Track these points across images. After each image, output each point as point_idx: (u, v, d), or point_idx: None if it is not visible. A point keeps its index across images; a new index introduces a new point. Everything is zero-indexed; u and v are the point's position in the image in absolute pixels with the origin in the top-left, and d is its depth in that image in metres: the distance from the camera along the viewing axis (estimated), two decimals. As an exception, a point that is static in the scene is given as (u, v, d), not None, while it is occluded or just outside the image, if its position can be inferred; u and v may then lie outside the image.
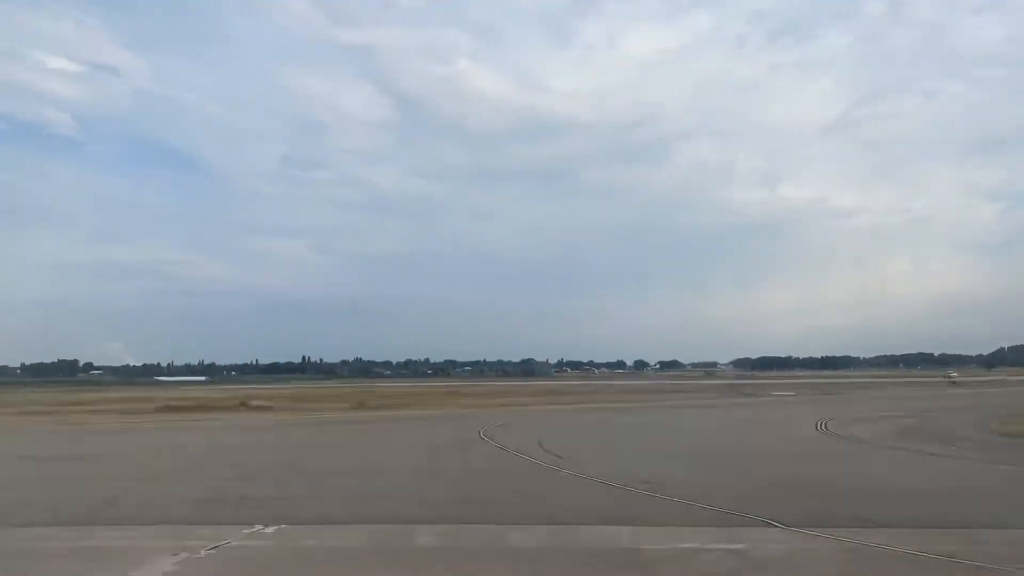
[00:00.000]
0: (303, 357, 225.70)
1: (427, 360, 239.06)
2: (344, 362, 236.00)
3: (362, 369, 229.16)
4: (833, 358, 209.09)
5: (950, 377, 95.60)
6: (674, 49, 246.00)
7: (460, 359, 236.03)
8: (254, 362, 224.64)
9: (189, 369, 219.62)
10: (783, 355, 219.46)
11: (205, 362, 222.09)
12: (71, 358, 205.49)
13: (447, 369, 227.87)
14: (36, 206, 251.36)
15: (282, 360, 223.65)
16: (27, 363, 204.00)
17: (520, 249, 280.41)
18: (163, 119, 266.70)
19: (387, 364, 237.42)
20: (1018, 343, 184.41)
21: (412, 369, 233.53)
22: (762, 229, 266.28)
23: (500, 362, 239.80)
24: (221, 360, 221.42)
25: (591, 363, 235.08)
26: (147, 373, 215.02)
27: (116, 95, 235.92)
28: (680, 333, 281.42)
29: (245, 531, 9.69)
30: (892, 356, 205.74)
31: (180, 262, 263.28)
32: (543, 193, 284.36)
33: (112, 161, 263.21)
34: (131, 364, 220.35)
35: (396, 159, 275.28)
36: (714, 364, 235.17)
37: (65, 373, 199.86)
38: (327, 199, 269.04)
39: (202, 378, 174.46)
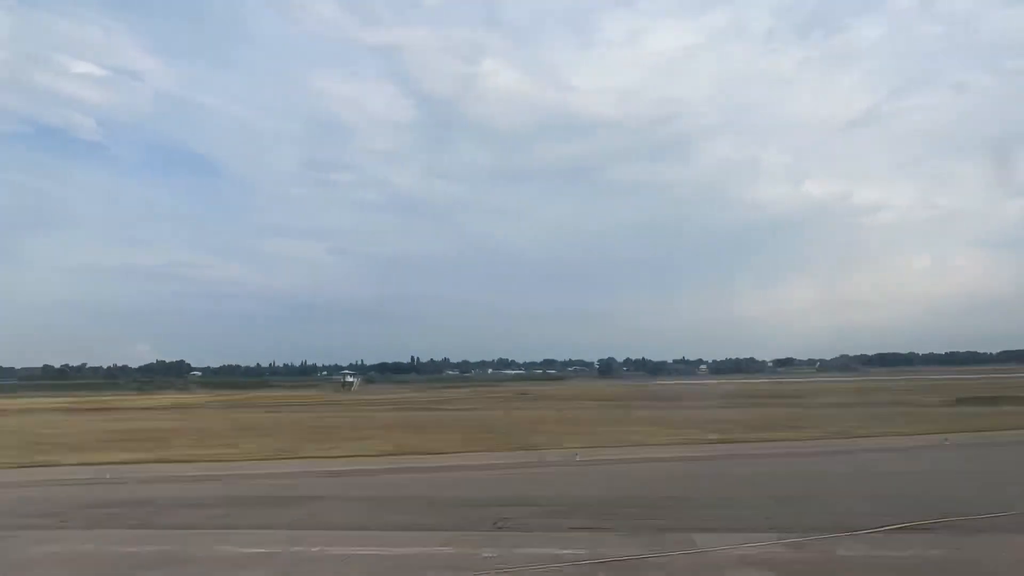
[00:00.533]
0: (412, 357, 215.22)
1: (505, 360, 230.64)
2: (446, 360, 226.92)
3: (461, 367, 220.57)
4: (958, 353, 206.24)
5: None
6: (700, 45, 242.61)
7: (520, 360, 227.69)
8: (359, 362, 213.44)
9: (293, 370, 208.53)
10: (903, 351, 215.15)
11: (296, 363, 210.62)
12: (177, 359, 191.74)
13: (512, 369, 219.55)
14: (60, 210, 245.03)
15: (390, 360, 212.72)
16: (130, 365, 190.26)
17: (547, 248, 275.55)
18: (185, 123, 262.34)
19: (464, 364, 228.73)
20: None
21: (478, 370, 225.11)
22: (807, 223, 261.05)
23: (579, 362, 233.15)
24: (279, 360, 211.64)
25: (700, 361, 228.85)
26: (249, 374, 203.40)
27: (139, 99, 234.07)
28: (752, 330, 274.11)
29: None
30: (1020, 351, 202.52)
31: (201, 265, 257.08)
32: (568, 192, 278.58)
33: (135, 165, 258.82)
34: (229, 364, 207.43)
35: (418, 159, 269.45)
36: (817, 361, 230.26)
37: (173, 375, 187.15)
38: (349, 201, 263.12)
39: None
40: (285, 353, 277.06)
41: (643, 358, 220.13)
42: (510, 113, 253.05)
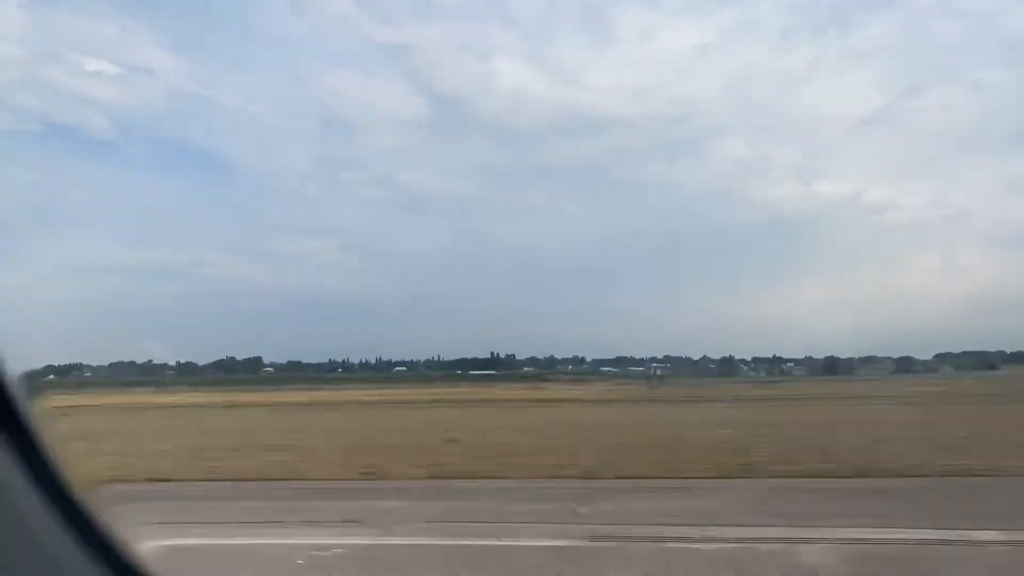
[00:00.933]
0: (492, 353, 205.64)
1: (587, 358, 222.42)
2: (511, 357, 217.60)
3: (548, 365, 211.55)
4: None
5: None
6: (713, 43, 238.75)
7: (589, 357, 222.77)
8: (436, 358, 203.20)
9: (370, 366, 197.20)
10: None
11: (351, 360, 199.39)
12: (254, 355, 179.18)
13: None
14: (71, 208, 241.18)
15: (469, 356, 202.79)
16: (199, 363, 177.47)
17: (566, 247, 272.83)
18: (197, 120, 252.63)
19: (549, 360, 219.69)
20: None
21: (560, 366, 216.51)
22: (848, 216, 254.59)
23: (653, 359, 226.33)
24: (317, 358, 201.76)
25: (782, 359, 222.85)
26: (322, 369, 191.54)
27: (151, 96, 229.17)
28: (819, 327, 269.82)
29: None
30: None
31: (212, 263, 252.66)
32: (581, 190, 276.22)
33: (146, 162, 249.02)
34: (301, 361, 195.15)
35: (431, 157, 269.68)
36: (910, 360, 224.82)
37: (250, 370, 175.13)
38: (360, 199, 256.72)
39: (492, 371, 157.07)
40: (335, 349, 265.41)
41: (730, 355, 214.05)
42: (522, 112, 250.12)
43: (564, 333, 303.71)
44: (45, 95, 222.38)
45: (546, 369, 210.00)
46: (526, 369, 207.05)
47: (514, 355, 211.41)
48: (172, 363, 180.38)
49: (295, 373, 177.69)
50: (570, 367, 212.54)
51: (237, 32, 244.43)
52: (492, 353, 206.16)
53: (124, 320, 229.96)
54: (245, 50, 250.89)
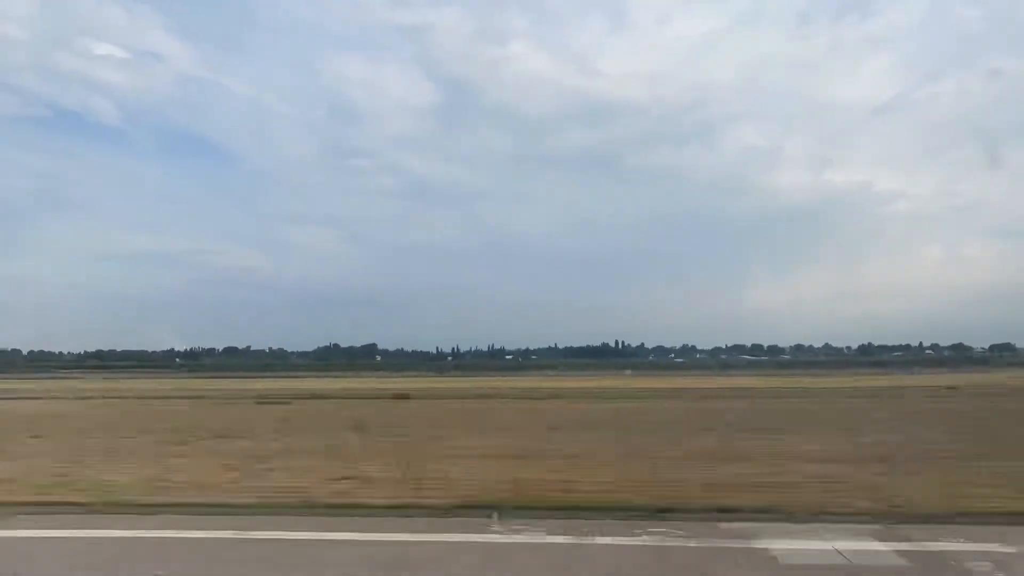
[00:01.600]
0: (616, 341, 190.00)
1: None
2: (642, 346, 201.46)
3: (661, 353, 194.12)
4: None
5: None
6: (728, 29, 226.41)
7: (702, 346, 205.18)
8: (554, 346, 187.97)
9: (482, 354, 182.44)
10: None
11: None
12: (369, 342, 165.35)
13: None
14: (77, 195, 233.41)
15: (580, 343, 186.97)
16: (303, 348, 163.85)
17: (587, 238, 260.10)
18: (205, 107, 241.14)
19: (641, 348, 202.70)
20: None
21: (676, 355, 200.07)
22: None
23: (738, 347, 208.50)
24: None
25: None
26: (431, 359, 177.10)
27: (159, 82, 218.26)
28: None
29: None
30: None
31: (217, 252, 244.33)
32: (592, 179, 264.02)
33: (153, 149, 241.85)
34: (406, 349, 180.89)
35: (440, 145, 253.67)
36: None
37: (364, 357, 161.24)
38: (367, 188, 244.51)
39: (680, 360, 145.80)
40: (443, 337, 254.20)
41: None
42: (535, 98, 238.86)
43: (646, 323, 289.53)
44: (52, 80, 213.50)
45: (662, 357, 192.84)
46: (648, 359, 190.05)
47: (643, 344, 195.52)
48: (181, 349, 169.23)
49: (406, 360, 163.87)
50: (697, 355, 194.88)
51: (246, 17, 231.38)
52: (617, 342, 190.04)
53: (127, 307, 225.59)
54: (254, 35, 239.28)
